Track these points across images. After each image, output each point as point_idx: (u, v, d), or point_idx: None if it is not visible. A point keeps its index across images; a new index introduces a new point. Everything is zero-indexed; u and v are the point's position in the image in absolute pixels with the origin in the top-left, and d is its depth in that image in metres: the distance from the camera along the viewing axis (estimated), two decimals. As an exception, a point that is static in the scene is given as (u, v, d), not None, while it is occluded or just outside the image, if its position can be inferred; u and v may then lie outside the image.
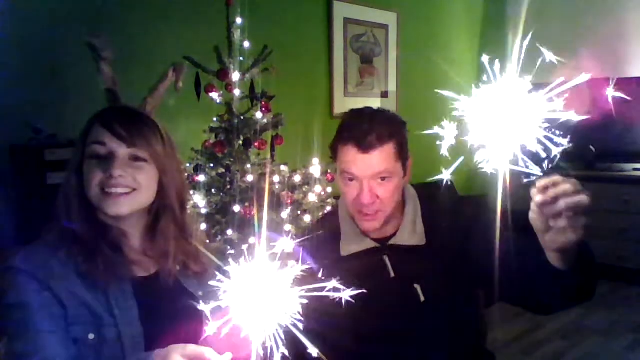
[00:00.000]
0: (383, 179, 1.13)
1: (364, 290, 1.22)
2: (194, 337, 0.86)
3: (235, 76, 2.03)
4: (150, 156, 1.01)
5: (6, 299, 0.91)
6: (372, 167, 1.11)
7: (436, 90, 0.74)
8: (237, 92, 2.06)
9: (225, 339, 0.65)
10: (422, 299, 1.17)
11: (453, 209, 1.27)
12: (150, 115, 1.08)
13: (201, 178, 1.99)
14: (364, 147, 1.10)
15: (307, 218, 2.07)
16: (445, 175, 0.67)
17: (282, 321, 0.64)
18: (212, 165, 2.08)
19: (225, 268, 0.65)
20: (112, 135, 0.98)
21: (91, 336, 0.93)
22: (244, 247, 0.67)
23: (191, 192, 1.96)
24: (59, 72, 2.30)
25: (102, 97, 1.88)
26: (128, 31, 2.50)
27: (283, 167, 2.17)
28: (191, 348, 0.80)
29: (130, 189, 0.98)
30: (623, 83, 3.98)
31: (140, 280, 1.02)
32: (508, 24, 4.43)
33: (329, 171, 2.17)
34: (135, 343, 0.95)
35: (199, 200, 1.94)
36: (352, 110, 1.22)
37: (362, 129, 1.11)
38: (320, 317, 0.63)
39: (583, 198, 0.74)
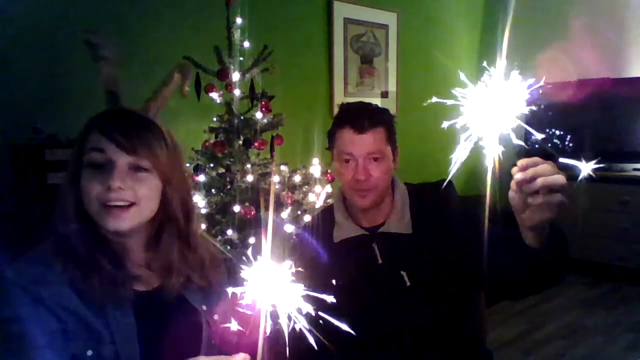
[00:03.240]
0: (375, 159, 1.26)
1: (352, 275, 1.25)
2: (195, 354, 0.84)
3: (235, 76, 2.04)
4: (153, 165, 0.93)
5: None
6: (366, 146, 1.25)
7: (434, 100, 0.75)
8: (237, 92, 2.06)
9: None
10: (408, 283, 1.25)
11: (440, 202, 1.34)
12: (154, 118, 1.00)
13: (201, 178, 1.99)
14: (359, 128, 1.24)
15: (307, 218, 2.07)
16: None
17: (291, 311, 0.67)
18: (212, 165, 2.08)
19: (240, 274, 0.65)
20: (110, 143, 0.90)
21: (89, 352, 0.88)
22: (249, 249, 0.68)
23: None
24: (59, 72, 2.30)
25: (103, 97, 1.88)
26: (128, 31, 2.50)
27: (283, 167, 2.18)
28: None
29: (128, 203, 0.90)
30: (622, 83, 3.98)
31: (141, 295, 0.96)
32: (508, 24, 4.43)
33: (329, 171, 2.18)
34: None
35: (199, 200, 1.94)
36: (347, 103, 1.36)
37: (357, 114, 1.27)
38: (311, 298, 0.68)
39: (559, 178, 0.78)
